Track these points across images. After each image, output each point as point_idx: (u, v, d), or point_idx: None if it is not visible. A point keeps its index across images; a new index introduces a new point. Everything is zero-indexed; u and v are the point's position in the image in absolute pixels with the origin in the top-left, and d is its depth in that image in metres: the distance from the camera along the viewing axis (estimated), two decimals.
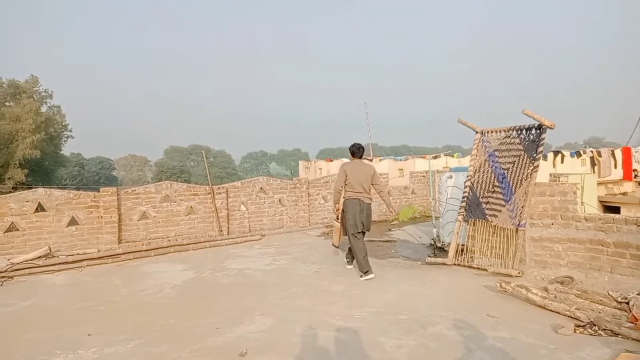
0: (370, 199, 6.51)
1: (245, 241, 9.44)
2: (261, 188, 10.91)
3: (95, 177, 63.37)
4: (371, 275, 6.13)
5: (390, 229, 10.76)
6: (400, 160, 20.72)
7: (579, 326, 4.12)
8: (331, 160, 24.43)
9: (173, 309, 5.13)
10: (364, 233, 6.49)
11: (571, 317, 4.34)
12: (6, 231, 8.05)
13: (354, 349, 3.81)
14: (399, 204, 13.07)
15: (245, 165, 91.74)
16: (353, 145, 6.54)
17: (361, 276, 6.18)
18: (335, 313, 4.72)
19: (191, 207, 9.90)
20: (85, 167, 64.42)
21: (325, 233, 10.40)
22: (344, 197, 6.42)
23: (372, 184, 6.45)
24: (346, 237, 6.65)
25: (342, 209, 6.46)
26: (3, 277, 6.65)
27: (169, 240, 9.19)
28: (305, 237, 9.99)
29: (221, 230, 10.04)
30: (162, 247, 8.45)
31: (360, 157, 6.56)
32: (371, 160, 20.09)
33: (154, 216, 9.44)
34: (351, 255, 6.72)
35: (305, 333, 4.18)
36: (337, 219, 6.69)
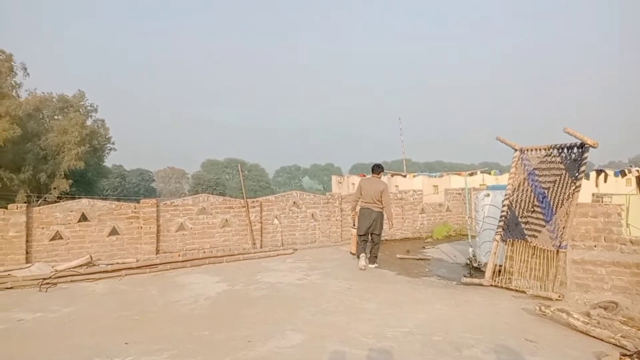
0: (381, 208, 8.10)
1: (277, 255, 9.51)
2: (294, 202, 11.00)
3: (135, 188, 65.62)
4: (361, 264, 7.92)
5: (424, 247, 10.59)
6: (435, 176, 20.40)
7: (625, 355, 3.91)
8: (364, 176, 24.38)
9: (207, 320, 5.21)
10: (368, 235, 8.11)
11: (616, 345, 4.13)
12: (51, 239, 8.43)
13: None
14: (433, 221, 12.86)
15: (279, 179, 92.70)
16: (374, 165, 8.48)
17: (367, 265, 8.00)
18: (367, 331, 4.67)
19: (226, 220, 10.08)
20: (126, 179, 66.85)
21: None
22: (360, 206, 8.24)
23: (381, 199, 8.04)
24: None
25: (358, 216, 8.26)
26: (47, 283, 6.96)
27: (204, 252, 9.37)
28: (337, 252, 9.96)
29: (254, 244, 10.16)
30: (197, 259, 8.62)
31: (378, 174, 8.38)
32: (404, 177, 19.92)
33: (191, 228, 9.66)
34: (371, 255, 8.15)
35: (337, 350, 4.15)
36: (354, 225, 8.51)
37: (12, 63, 30.08)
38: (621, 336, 4.22)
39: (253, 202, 10.46)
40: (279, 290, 6.59)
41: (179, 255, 8.93)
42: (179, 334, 4.70)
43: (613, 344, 4.16)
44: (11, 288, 6.80)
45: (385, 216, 8.15)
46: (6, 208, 8.20)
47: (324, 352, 4.12)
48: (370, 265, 8.09)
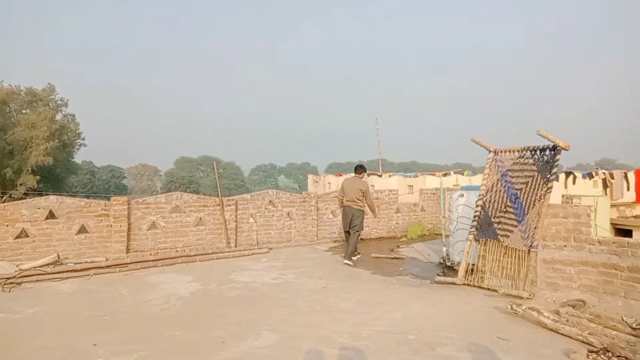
0: (361, 206, 8.61)
1: (252, 254, 9.41)
2: (270, 201, 10.91)
3: (106, 185, 64.00)
4: (349, 262, 8.23)
5: (398, 246, 10.67)
6: (410, 176, 20.66)
7: (592, 352, 4.02)
8: (340, 175, 24.45)
9: (179, 320, 5.10)
10: (349, 232, 8.61)
11: (584, 342, 4.24)
12: (16, 237, 8.10)
13: None
14: (407, 220, 12.98)
15: (254, 178, 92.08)
16: (357, 165, 9.08)
17: (345, 261, 8.31)
18: (343, 331, 4.66)
19: (200, 219, 9.91)
20: (96, 175, 65.12)
21: (333, 247, 10.34)
22: (343, 204, 8.77)
23: (362, 197, 8.55)
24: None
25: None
26: (11, 283, 6.67)
27: (177, 251, 9.18)
28: (313, 251, 9.93)
29: (229, 243, 10.02)
30: (169, 258, 8.44)
31: (360, 174, 8.84)
32: (380, 176, 20.08)
33: (163, 226, 9.46)
34: (349, 247, 8.53)
35: (312, 350, 4.12)
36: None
37: None
38: (588, 333, 4.33)
39: (228, 200, 10.32)
40: (253, 290, 6.51)
41: (151, 254, 8.72)
42: (150, 335, 4.58)
43: (581, 341, 4.26)
44: None
45: (365, 212, 8.70)
46: None
47: (299, 352, 4.08)
48: (345, 261, 8.33)
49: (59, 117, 36.38)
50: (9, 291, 6.43)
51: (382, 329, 4.73)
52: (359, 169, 9.03)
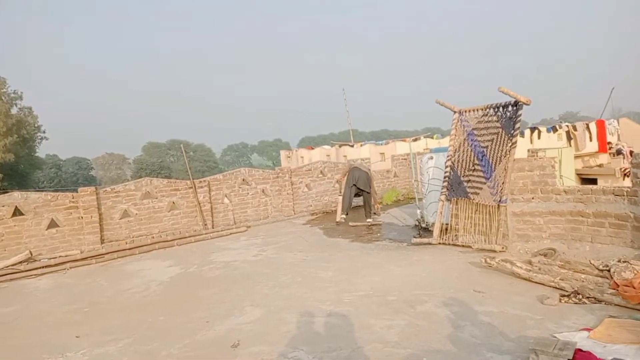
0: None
1: (230, 234, 9.38)
2: (243, 179, 10.82)
3: (73, 178, 61.96)
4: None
5: (375, 213, 10.81)
6: (381, 144, 20.77)
7: (563, 296, 4.22)
8: (312, 149, 24.33)
9: (161, 306, 5.08)
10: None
11: (556, 288, 4.44)
12: None
13: (345, 332, 3.83)
14: (382, 187, 13.13)
15: (227, 158, 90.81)
16: None
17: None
18: (325, 299, 4.74)
19: (173, 203, 9.77)
20: (62, 169, 62.92)
21: (311, 221, 10.41)
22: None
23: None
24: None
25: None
26: None
27: (153, 237, 9.07)
28: (290, 226, 9.98)
29: (205, 224, 9.95)
30: (146, 245, 8.34)
31: None
32: (352, 146, 20.12)
33: (136, 214, 9.29)
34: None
35: (296, 320, 4.19)
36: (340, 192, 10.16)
37: None
38: (560, 279, 4.54)
39: (200, 182, 10.18)
40: (234, 269, 6.53)
41: (126, 243, 8.58)
42: (132, 323, 4.56)
43: (553, 287, 4.46)
44: None
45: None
46: None
47: (284, 323, 4.14)
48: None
49: (14, 111, 34.73)
50: None
51: (362, 293, 4.83)
52: None
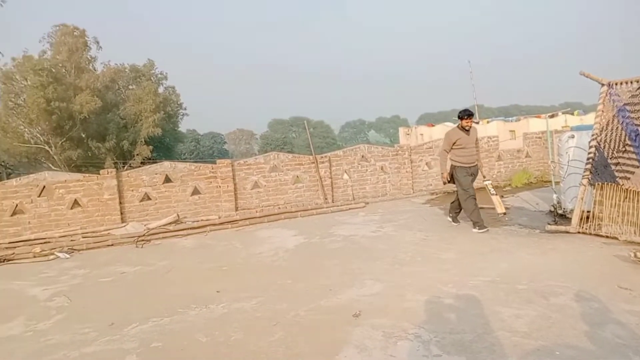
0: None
1: (349, 209, 9.62)
2: (363, 156, 10.94)
3: (209, 151, 68.63)
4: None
5: (502, 196, 10.16)
6: (511, 121, 19.27)
7: None
8: (433, 125, 23.51)
9: (288, 271, 5.46)
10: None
11: None
12: (141, 200, 9.15)
13: (469, 316, 3.72)
14: (511, 168, 12.25)
15: (344, 135, 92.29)
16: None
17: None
18: (447, 280, 4.64)
19: (297, 177, 10.31)
20: (200, 142, 70.01)
21: (430, 200, 10.18)
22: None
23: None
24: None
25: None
26: (142, 240, 7.61)
27: (279, 208, 9.71)
28: (409, 204, 9.87)
29: (326, 199, 10.33)
30: (273, 214, 8.97)
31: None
32: (477, 123, 18.98)
33: (265, 185, 10.01)
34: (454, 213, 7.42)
35: (416, 299, 4.18)
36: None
37: (86, 38, 31.85)
38: None
39: (322, 157, 10.55)
40: (354, 243, 6.71)
41: (257, 212, 9.33)
42: (264, 283, 4.98)
43: None
44: (112, 245, 7.53)
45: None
46: (98, 174, 8.97)
47: (404, 300, 4.17)
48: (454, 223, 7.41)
49: (160, 90, 39.21)
50: (142, 247, 7.34)
51: (488, 279, 4.62)
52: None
